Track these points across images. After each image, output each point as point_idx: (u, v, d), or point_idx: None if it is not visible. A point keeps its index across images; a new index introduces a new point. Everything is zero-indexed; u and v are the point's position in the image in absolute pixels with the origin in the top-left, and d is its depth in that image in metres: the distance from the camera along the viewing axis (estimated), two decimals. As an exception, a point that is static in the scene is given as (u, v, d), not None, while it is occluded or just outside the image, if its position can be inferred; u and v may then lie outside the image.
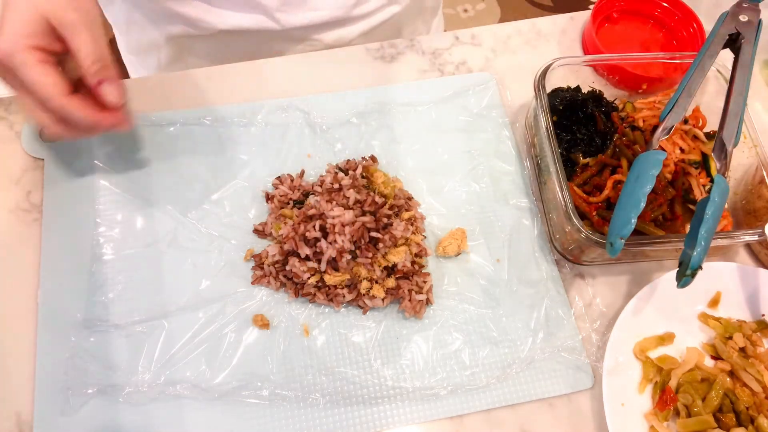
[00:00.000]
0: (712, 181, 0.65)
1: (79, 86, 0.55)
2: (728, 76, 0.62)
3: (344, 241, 0.59)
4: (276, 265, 0.61)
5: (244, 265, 0.63)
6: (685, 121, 0.69)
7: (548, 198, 0.67)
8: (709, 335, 0.63)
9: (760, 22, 0.61)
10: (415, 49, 0.78)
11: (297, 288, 0.61)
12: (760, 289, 0.63)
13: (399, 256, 0.61)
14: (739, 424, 0.56)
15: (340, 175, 0.65)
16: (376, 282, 0.60)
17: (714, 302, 0.63)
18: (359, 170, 0.66)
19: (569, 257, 0.65)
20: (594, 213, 0.63)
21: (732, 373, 0.59)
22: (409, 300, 0.60)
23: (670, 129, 0.59)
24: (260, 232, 0.64)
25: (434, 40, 0.79)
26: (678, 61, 0.70)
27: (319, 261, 0.59)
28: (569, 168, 0.66)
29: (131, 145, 0.68)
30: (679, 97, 0.59)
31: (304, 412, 0.57)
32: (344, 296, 0.60)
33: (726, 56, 0.62)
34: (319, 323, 0.61)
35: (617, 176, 0.64)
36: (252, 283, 0.62)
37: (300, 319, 0.61)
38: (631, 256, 0.66)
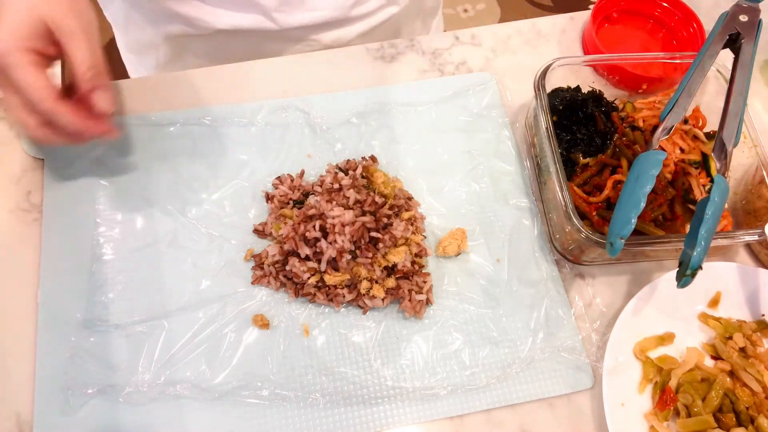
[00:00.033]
0: (712, 181, 0.65)
1: (69, 93, 0.55)
2: (728, 76, 0.62)
3: (344, 241, 0.59)
4: (276, 265, 0.61)
5: (244, 265, 0.63)
6: (685, 121, 0.69)
7: (548, 198, 0.67)
8: (709, 335, 0.63)
9: (759, 22, 0.61)
10: (415, 49, 0.78)
11: (297, 288, 0.61)
12: (760, 289, 0.63)
13: (399, 256, 0.61)
14: (739, 424, 0.56)
15: (340, 175, 0.65)
16: (376, 282, 0.60)
17: (714, 302, 0.63)
18: (359, 170, 0.66)
19: (569, 257, 0.65)
20: (594, 213, 0.63)
21: (732, 373, 0.59)
22: (409, 300, 0.60)
23: (670, 129, 0.59)
24: (260, 232, 0.64)
25: (434, 40, 0.79)
26: (678, 61, 0.70)
27: (319, 261, 0.59)
28: (569, 168, 0.66)
29: (131, 145, 0.68)
30: (679, 97, 0.59)
31: (304, 412, 0.57)
32: (344, 296, 0.60)
33: (726, 56, 0.62)
34: (319, 323, 0.61)
35: (617, 176, 0.64)
36: (252, 283, 0.62)
37: (300, 319, 0.61)
38: (631, 256, 0.66)
